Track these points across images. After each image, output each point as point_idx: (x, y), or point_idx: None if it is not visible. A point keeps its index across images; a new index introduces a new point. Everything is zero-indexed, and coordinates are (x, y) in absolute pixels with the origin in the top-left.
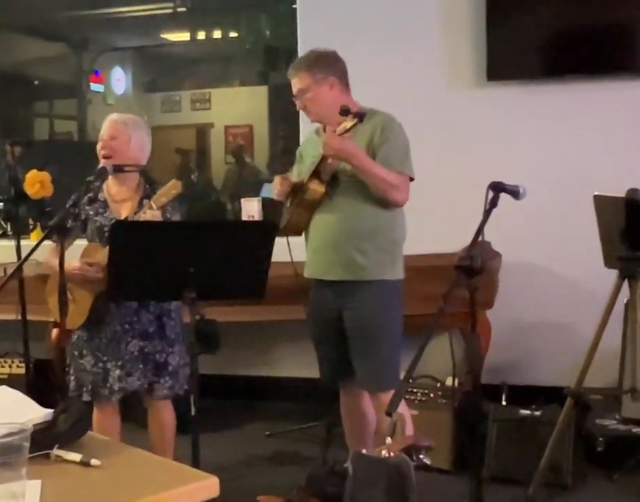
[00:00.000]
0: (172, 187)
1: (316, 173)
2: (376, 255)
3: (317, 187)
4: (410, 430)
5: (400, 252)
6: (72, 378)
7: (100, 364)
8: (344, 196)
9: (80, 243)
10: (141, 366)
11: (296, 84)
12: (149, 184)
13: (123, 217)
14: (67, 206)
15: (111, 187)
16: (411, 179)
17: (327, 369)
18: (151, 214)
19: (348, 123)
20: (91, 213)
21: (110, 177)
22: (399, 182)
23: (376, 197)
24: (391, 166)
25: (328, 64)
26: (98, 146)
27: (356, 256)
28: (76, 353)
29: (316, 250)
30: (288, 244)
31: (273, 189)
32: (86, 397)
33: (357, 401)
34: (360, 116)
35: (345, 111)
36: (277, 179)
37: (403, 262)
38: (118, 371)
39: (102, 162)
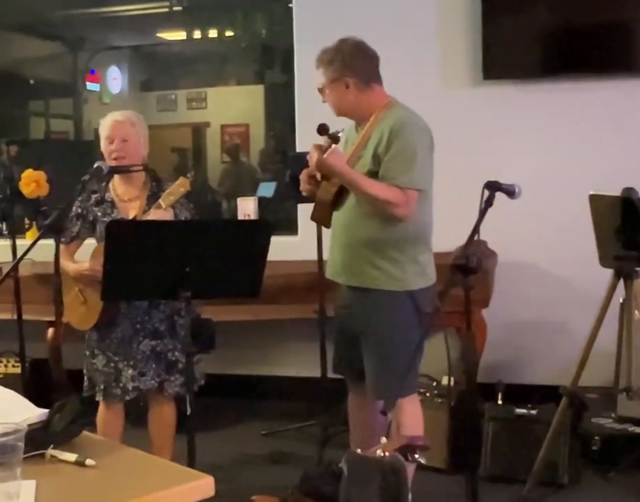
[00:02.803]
0: (180, 185)
1: None
2: (381, 263)
3: (329, 188)
4: (420, 430)
5: (414, 261)
6: (85, 377)
7: (112, 364)
8: (353, 200)
9: (89, 242)
10: (154, 365)
11: (318, 78)
12: (155, 181)
13: (131, 217)
14: (72, 209)
15: (118, 187)
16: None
17: (338, 363)
18: (161, 214)
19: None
20: (99, 214)
21: (116, 177)
22: (397, 199)
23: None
24: (392, 180)
25: (344, 63)
26: (106, 148)
27: (359, 262)
28: (88, 353)
29: (331, 250)
30: None
31: (302, 186)
32: (98, 397)
33: (366, 401)
34: (335, 138)
35: (320, 131)
36: (302, 175)
37: (420, 272)
38: (130, 371)
39: (113, 164)
